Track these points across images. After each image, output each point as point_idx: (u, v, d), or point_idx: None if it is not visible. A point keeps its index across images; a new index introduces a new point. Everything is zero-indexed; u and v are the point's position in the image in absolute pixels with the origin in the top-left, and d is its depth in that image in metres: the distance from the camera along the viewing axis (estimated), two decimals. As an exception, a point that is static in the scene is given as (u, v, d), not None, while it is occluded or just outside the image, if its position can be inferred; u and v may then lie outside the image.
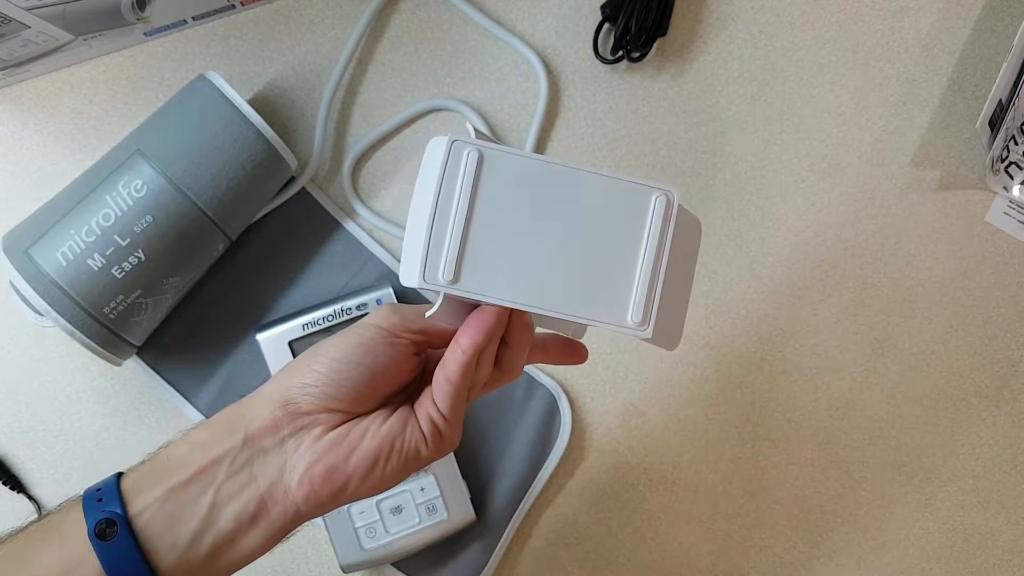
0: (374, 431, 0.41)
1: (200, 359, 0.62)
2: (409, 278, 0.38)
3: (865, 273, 0.65)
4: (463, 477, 0.60)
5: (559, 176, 0.39)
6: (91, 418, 0.62)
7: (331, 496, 0.41)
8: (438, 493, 0.60)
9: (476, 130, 0.40)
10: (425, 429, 0.42)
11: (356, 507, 0.59)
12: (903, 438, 0.65)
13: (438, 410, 0.42)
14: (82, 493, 0.41)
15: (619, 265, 0.39)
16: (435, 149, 0.39)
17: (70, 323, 0.53)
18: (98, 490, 0.40)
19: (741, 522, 0.64)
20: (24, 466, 0.62)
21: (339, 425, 0.41)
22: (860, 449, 0.65)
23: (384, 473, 0.41)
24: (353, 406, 0.41)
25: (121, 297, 0.54)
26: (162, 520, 0.39)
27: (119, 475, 0.41)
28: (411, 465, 0.42)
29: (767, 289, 0.65)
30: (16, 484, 0.61)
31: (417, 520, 0.60)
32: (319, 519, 0.59)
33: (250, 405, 0.42)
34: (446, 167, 0.38)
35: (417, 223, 0.38)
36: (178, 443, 0.42)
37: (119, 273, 0.54)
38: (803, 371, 0.65)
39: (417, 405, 0.42)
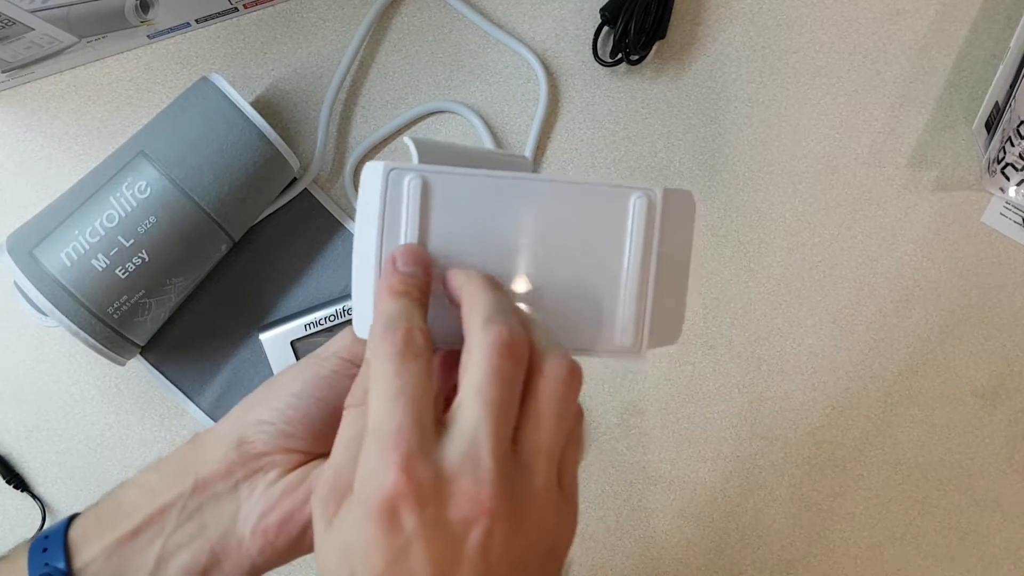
0: None
1: (203, 359, 0.62)
2: (364, 331, 0.33)
3: (862, 273, 0.65)
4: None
5: (522, 192, 0.33)
6: (95, 417, 0.62)
7: (288, 547, 0.37)
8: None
9: (420, 143, 0.34)
10: None
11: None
12: (899, 437, 0.65)
13: None
14: (31, 539, 0.39)
15: (600, 283, 0.35)
16: (371, 177, 0.33)
17: (74, 323, 0.54)
18: (46, 538, 0.38)
19: (739, 520, 0.64)
20: (28, 465, 0.62)
21: (298, 467, 0.38)
22: (857, 448, 0.65)
23: None
24: (313, 445, 0.38)
25: (125, 297, 0.55)
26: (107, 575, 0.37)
27: (71, 519, 0.39)
28: None
29: (765, 289, 0.65)
30: (21, 483, 0.62)
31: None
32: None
33: (204, 445, 0.39)
34: (386, 200, 0.32)
35: (363, 266, 0.33)
36: (130, 485, 0.39)
37: (123, 273, 0.54)
38: (800, 370, 0.65)
39: None
